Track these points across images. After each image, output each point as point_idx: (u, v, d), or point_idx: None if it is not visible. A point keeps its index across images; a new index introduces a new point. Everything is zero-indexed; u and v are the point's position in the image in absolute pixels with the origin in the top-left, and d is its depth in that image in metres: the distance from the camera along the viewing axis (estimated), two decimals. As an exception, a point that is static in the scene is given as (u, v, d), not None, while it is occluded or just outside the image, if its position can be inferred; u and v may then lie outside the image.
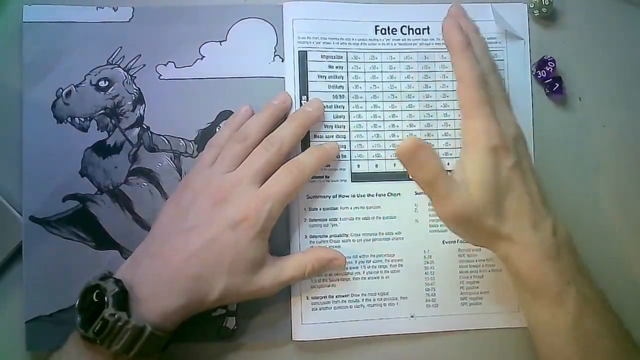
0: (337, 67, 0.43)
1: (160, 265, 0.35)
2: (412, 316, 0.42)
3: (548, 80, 0.44)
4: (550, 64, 0.44)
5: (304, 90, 0.42)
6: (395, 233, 0.42)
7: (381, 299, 0.42)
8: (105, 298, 0.33)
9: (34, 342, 0.39)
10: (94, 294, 0.33)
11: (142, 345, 0.33)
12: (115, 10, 0.42)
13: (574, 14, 0.45)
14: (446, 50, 0.36)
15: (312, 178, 0.41)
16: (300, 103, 0.42)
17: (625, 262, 0.44)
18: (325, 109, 0.42)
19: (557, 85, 0.44)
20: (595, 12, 0.46)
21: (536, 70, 0.44)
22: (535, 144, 0.44)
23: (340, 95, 0.43)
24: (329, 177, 0.42)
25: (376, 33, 0.43)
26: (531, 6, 0.45)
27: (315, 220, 0.42)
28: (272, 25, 0.43)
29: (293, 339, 0.41)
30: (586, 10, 0.46)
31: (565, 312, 0.34)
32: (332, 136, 0.42)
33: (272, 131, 0.40)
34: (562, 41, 0.45)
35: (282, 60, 0.42)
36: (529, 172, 0.36)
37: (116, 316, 0.32)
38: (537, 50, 0.45)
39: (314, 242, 0.42)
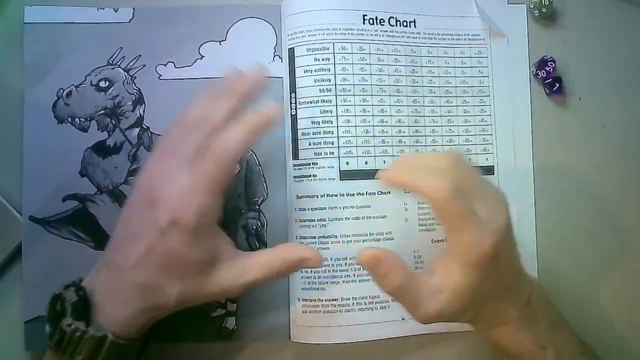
0: (323, 60, 0.41)
1: (113, 273, 0.33)
2: (403, 319, 0.41)
3: (548, 80, 0.44)
4: (550, 64, 0.44)
5: (292, 88, 0.42)
6: (386, 233, 0.41)
7: (372, 302, 0.40)
8: (65, 307, 0.32)
9: (33, 342, 0.39)
10: (58, 303, 0.32)
11: (106, 355, 0.31)
12: (115, 11, 0.42)
13: (574, 14, 0.45)
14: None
15: (299, 177, 0.41)
16: (291, 101, 0.42)
17: (625, 262, 0.44)
18: (312, 105, 0.41)
19: (557, 85, 0.44)
20: (595, 12, 0.46)
21: (536, 70, 0.44)
22: (535, 144, 0.44)
23: (327, 89, 0.41)
24: (316, 176, 0.41)
25: (364, 23, 0.42)
26: (531, 6, 0.45)
27: (305, 220, 0.41)
28: (271, 25, 0.43)
29: (291, 339, 0.41)
30: (586, 10, 0.46)
31: None
32: (320, 132, 0.41)
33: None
34: (562, 41, 0.45)
35: (282, 60, 0.42)
36: (510, 256, 0.34)
37: (73, 326, 0.31)
38: (537, 50, 0.45)
39: (304, 243, 0.41)
